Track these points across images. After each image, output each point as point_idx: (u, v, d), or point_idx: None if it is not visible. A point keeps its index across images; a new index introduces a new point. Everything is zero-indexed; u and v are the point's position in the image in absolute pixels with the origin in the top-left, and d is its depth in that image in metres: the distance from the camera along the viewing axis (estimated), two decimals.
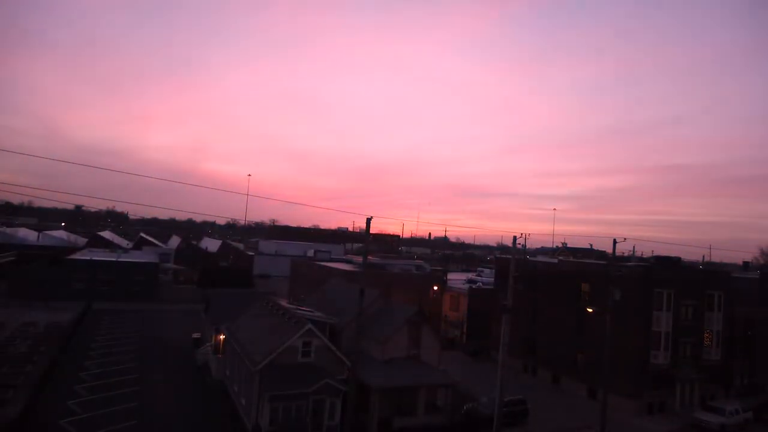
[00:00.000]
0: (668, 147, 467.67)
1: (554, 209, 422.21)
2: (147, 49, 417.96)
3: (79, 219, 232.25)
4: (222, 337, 39.65)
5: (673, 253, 55.59)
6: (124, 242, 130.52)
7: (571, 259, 75.47)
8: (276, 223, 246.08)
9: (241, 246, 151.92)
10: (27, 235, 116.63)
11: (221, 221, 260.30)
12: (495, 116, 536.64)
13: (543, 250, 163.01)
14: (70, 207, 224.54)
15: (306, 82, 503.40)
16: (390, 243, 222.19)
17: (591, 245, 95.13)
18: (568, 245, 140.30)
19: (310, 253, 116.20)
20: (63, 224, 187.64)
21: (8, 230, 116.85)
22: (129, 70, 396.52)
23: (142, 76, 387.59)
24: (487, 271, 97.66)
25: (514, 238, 31.29)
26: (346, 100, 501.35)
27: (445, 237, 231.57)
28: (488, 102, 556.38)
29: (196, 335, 49.98)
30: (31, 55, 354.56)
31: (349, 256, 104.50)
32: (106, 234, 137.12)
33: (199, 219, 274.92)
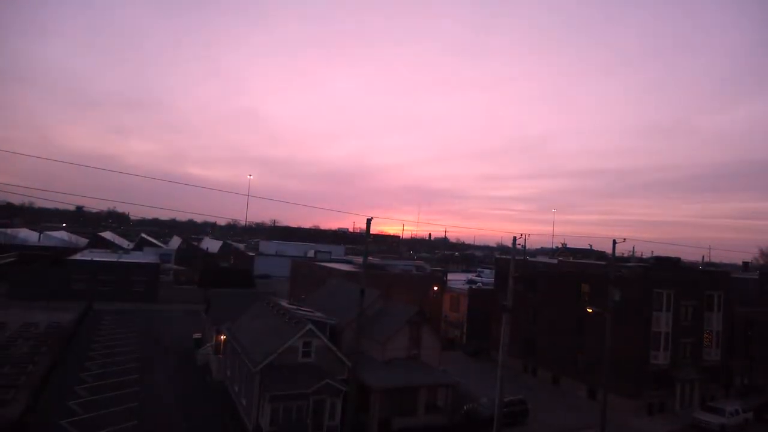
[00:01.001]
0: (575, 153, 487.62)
1: (554, 210, 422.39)
2: (121, 72, 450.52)
3: (80, 219, 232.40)
4: (223, 337, 39.74)
5: (667, 254, 55.64)
6: (124, 243, 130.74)
7: (571, 259, 75.49)
8: (276, 224, 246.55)
9: (241, 246, 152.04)
10: (28, 235, 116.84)
11: (222, 221, 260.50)
12: (430, 127, 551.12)
13: (543, 251, 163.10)
14: (71, 208, 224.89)
15: (256, 97, 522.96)
16: (390, 244, 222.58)
17: (590, 246, 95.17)
18: (568, 245, 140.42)
19: (311, 253, 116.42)
20: (64, 225, 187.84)
21: (9, 231, 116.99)
22: (107, 89, 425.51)
23: (116, 95, 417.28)
24: (487, 271, 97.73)
25: (514, 238, 31.33)
26: (297, 113, 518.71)
27: (445, 237, 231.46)
28: (429, 114, 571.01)
29: (196, 335, 50.05)
30: (25, 78, 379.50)
31: (350, 257, 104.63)
32: (107, 234, 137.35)
33: (200, 219, 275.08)
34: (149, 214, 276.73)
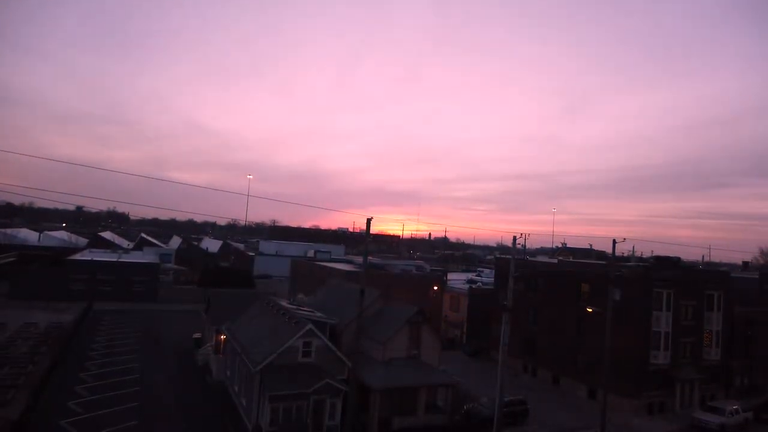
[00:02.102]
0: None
1: (554, 210, 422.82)
2: (101, 86, 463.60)
3: (80, 220, 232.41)
4: (222, 337, 39.75)
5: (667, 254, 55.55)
6: (124, 243, 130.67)
7: (571, 259, 75.54)
8: (276, 224, 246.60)
9: (241, 246, 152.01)
10: (28, 235, 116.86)
11: (222, 222, 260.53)
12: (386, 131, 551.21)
13: (543, 251, 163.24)
14: (71, 208, 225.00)
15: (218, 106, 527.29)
16: (389, 243, 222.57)
17: (591, 245, 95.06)
18: (568, 245, 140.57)
19: (311, 253, 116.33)
20: (64, 225, 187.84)
21: (9, 231, 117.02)
22: (90, 101, 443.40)
23: (91, 113, 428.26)
24: (486, 271, 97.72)
25: (514, 238, 31.34)
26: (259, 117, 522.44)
27: (445, 237, 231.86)
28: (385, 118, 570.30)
29: (196, 335, 50.07)
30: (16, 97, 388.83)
31: (350, 257, 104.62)
32: (107, 234, 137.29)
33: (200, 219, 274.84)
34: (149, 214, 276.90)
